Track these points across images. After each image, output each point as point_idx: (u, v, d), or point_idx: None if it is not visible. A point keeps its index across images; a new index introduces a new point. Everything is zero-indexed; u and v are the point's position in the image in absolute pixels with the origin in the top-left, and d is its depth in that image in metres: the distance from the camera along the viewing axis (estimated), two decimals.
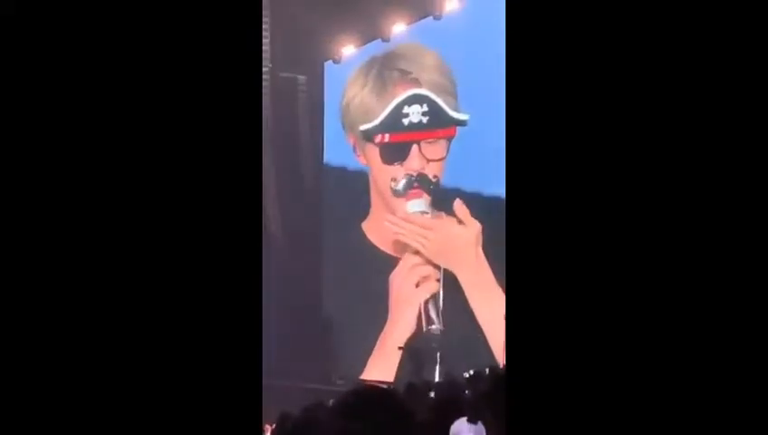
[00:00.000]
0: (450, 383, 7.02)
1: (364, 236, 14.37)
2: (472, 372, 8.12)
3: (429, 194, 13.85)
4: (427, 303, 13.65)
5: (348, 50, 14.51)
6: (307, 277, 14.57)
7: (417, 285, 13.67)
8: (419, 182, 13.83)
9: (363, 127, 14.03)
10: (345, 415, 2.10)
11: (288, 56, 14.02)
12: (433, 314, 13.59)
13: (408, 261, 13.78)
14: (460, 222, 13.57)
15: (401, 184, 13.87)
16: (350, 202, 14.58)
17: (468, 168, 13.94)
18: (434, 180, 13.93)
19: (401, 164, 13.93)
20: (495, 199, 13.21)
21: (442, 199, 13.87)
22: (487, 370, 7.28)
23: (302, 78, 14.40)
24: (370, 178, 14.37)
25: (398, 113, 13.88)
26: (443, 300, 13.70)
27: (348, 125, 14.41)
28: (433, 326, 13.57)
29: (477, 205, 13.70)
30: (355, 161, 14.49)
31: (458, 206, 13.59)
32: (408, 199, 13.86)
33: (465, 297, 13.60)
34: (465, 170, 13.99)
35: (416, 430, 2.07)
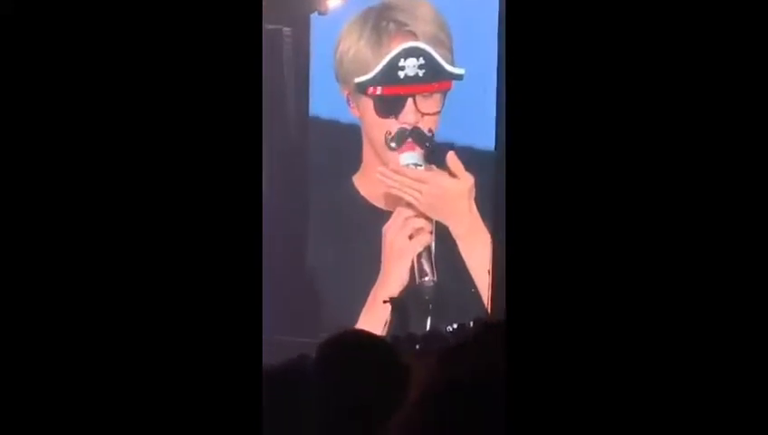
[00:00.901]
0: (435, 336, 7.09)
1: (355, 190, 14.33)
2: (455, 326, 8.34)
3: (423, 148, 13.84)
4: (420, 255, 13.68)
5: (333, 2, 14.31)
6: (297, 233, 14.51)
7: (411, 238, 13.70)
8: (413, 136, 13.81)
9: (358, 79, 13.96)
10: (330, 360, 2.13)
11: (274, 8, 13.61)
12: (426, 267, 13.62)
13: (401, 214, 13.79)
14: (453, 175, 13.60)
15: (395, 137, 13.84)
16: (341, 156, 14.50)
17: (462, 122, 13.93)
18: (428, 134, 13.91)
19: (396, 117, 13.88)
20: (489, 153, 13.22)
21: (436, 153, 13.85)
22: (471, 323, 7.30)
23: (287, 30, 14.23)
24: (363, 132, 14.31)
25: (393, 66, 13.82)
26: (435, 252, 13.73)
27: (342, 77, 14.30)
28: (426, 278, 13.60)
29: (471, 158, 13.70)
30: (345, 114, 14.42)
31: (451, 158, 13.60)
32: (401, 153, 13.84)
33: (458, 250, 13.65)
34: (459, 124, 13.97)
35: (398, 375, 2.06)
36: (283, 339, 11.91)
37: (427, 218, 13.72)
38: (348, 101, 14.35)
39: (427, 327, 13.11)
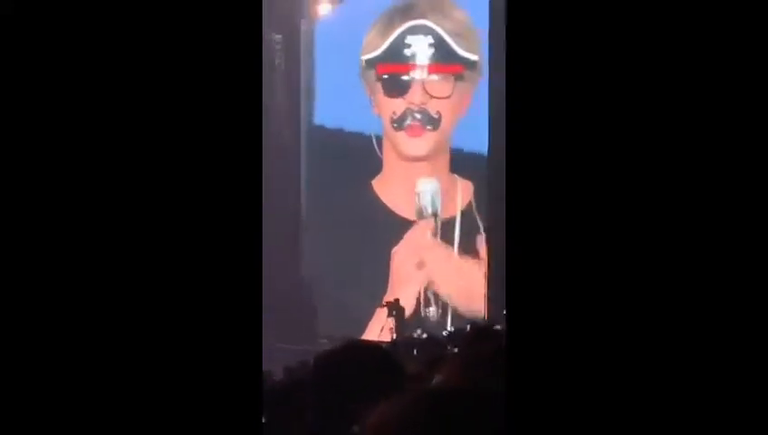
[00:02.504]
0: (432, 342, 6.84)
1: (375, 194, 13.78)
2: (452, 329, 8.22)
3: (430, 126, 13.34)
4: (426, 288, 13.37)
5: (324, 8, 14.01)
6: (295, 239, 14.07)
7: (419, 268, 13.39)
8: (420, 117, 13.31)
9: (366, 57, 13.50)
10: (329, 369, 2.18)
11: (264, 15, 13.62)
12: (432, 299, 13.35)
13: (412, 240, 13.42)
14: (477, 256, 13.25)
15: (400, 118, 13.38)
16: (357, 160, 13.86)
17: (478, 122, 13.24)
18: (435, 117, 13.35)
19: (403, 97, 13.40)
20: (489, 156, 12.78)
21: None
22: (468, 326, 7.15)
23: (278, 37, 13.89)
24: (384, 135, 13.73)
25: (400, 43, 13.39)
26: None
27: (364, 77, 13.79)
28: (430, 309, 13.32)
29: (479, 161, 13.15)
30: (360, 119, 13.76)
31: (480, 242, 13.20)
32: (409, 134, 13.32)
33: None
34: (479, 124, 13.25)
35: (400, 384, 2.11)
36: (285, 347, 11.44)
37: (439, 248, 13.38)
38: (371, 101, 13.77)
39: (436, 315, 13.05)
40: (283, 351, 10.68)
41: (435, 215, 13.27)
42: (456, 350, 4.91)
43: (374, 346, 2.31)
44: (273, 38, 13.66)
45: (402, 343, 7.48)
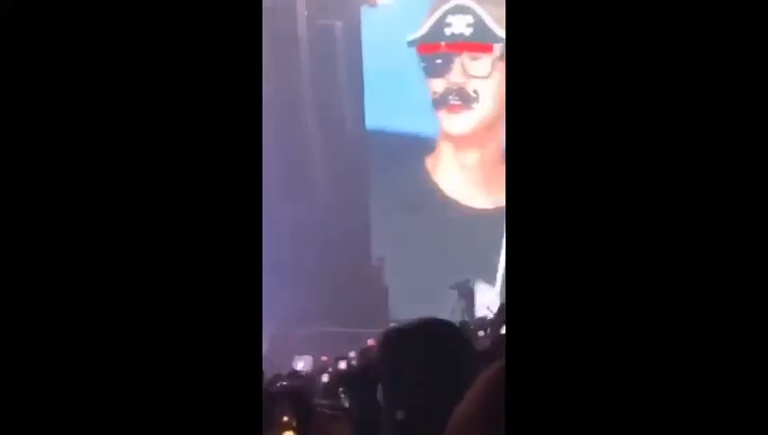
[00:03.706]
0: (501, 320, 6.76)
1: (426, 171, 13.93)
2: None
3: (468, 104, 13.56)
4: None
5: None
6: (356, 220, 14.06)
7: None
8: (459, 96, 13.55)
9: (409, 37, 13.76)
10: (400, 343, 2.20)
11: (324, 2, 13.78)
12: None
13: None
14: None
15: (441, 95, 13.68)
16: (411, 140, 14.01)
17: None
18: (473, 95, 13.61)
19: (443, 77, 13.66)
20: None
21: None
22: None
23: (338, 23, 14.04)
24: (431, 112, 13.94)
25: (441, 23, 13.64)
26: None
27: (408, 57, 14.01)
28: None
29: None
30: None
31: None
32: (448, 111, 13.52)
33: None
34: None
35: (472, 360, 2.10)
36: (348, 331, 11.73)
37: None
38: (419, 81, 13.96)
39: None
40: (358, 336, 10.92)
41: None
42: None
43: (444, 321, 2.30)
44: (333, 26, 13.91)
45: (472, 322, 7.58)
